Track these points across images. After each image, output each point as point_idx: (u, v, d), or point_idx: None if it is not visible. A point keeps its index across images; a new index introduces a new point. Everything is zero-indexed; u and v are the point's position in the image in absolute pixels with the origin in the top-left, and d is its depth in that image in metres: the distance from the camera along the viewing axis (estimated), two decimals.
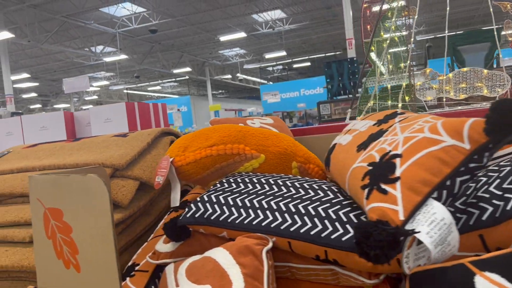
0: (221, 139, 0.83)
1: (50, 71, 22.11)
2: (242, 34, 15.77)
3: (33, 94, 25.56)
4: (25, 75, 19.19)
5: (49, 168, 0.99)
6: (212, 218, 0.72)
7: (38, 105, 28.37)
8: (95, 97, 28.05)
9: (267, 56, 19.53)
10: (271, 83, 29.54)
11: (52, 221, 0.64)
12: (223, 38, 16.22)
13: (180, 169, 0.86)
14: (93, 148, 1.06)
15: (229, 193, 0.76)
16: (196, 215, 0.74)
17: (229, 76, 26.42)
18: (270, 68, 28.53)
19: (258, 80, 30.48)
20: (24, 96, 25.49)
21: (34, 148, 1.17)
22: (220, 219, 0.72)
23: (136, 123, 2.21)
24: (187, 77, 25.09)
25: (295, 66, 24.73)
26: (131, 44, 18.48)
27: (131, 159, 0.99)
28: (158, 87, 30.23)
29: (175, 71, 21.60)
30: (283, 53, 19.06)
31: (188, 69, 21.49)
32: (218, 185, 0.80)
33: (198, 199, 0.77)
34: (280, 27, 18.13)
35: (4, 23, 13.12)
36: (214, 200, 0.75)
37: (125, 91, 27.89)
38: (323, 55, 23.05)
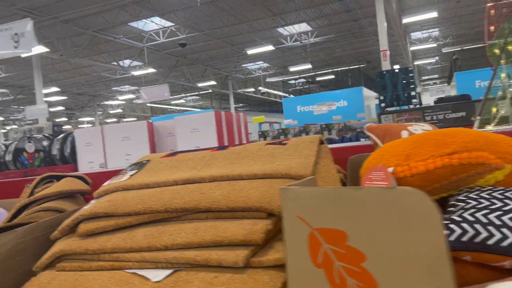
0: (465, 145, 0.70)
1: (76, 85, 22.47)
2: (269, 47, 15.76)
3: (60, 108, 25.99)
4: (55, 89, 19.52)
5: (221, 179, 0.87)
6: (490, 242, 0.58)
7: (64, 118, 28.84)
8: (119, 110, 28.38)
9: (292, 69, 19.48)
10: (292, 96, 29.47)
11: (325, 245, 0.51)
12: (250, 52, 16.23)
13: (403, 181, 0.73)
14: (256, 157, 0.94)
15: (495, 212, 0.62)
16: (463, 239, 0.60)
17: (252, 90, 26.45)
18: (292, 81, 28.49)
19: (279, 93, 30.45)
20: (51, 109, 25.94)
21: (178, 158, 1.05)
22: (502, 244, 0.58)
23: (223, 133, 2.09)
24: (210, 90, 25.21)
25: (318, 79, 24.61)
26: (157, 58, 18.66)
27: (313, 169, 0.86)
28: (181, 101, 30.45)
29: (200, 84, 21.71)
30: (308, 66, 18.99)
31: (212, 82, 21.59)
32: (463, 203, 0.66)
33: (457, 218, 0.63)
34: (305, 40, 18.10)
35: (38, 38, 13.36)
36: (484, 220, 0.61)
37: (148, 104, 28.15)
38: (347, 68, 22.89)
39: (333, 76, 23.12)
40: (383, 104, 7.00)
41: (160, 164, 1.03)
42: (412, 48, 19.72)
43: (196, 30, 15.75)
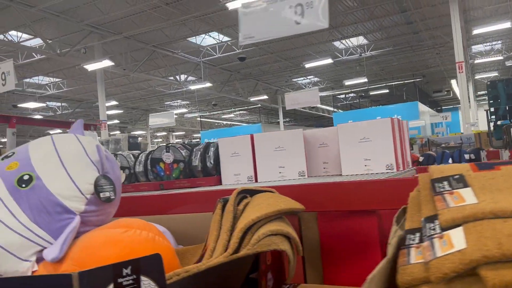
0: None
1: (131, 99, 23.12)
2: (328, 60, 15.52)
3: (116, 121, 26.82)
4: (114, 103, 20.13)
5: None
6: None
7: (117, 132, 29.74)
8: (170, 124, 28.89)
9: (347, 82, 19.13)
10: (341, 111, 28.99)
11: None
12: (308, 65, 16.06)
13: None
14: None
15: None
16: None
17: None
18: (342, 96, 28.04)
19: (328, 107, 30.04)
20: (108, 122, 26.82)
21: (503, 172, 0.82)
22: None
23: (396, 141, 1.85)
24: (259, 105, 25.23)
25: (372, 93, 24.05)
26: (212, 72, 18.87)
27: None
28: (231, 115, 30.69)
29: (252, 99, 21.74)
30: (364, 79, 18.57)
31: (264, 97, 21.57)
32: None
33: None
34: (361, 54, 17.74)
35: (102, 53, 13.83)
36: None
37: (198, 119, 28.52)
38: (402, 82, 22.25)
39: (387, 91, 22.51)
40: (493, 117, 6.42)
41: (484, 179, 0.81)
42: (476, 61, 18.87)
43: (252, 45, 15.77)
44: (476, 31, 11.94)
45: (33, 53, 14.63)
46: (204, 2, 11.90)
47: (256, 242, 1.06)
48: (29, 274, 0.97)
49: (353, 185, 1.51)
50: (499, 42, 18.32)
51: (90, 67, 12.88)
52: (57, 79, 18.48)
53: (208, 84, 17.36)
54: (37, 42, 13.86)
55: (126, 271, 0.84)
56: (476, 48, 19.09)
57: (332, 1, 12.51)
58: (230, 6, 10.31)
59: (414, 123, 19.41)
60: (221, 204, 1.34)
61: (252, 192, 1.39)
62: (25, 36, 13.25)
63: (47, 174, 1.04)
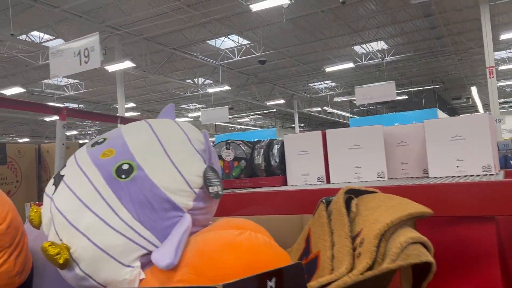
0: None
1: (148, 102, 23.12)
2: (349, 65, 15.31)
3: None
4: (132, 105, 20.14)
5: None
6: None
7: None
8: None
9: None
10: (356, 117, 28.68)
11: None
12: (328, 69, 15.87)
13: None
14: None
15: None
16: None
17: (318, 109, 26.03)
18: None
19: (343, 113, 29.77)
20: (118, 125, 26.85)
21: None
22: None
23: (493, 139, 1.66)
24: (274, 109, 25.05)
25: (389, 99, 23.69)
26: (229, 76, 18.75)
27: None
28: (246, 119, 30.58)
29: (269, 103, 21.58)
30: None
31: (281, 101, 21.40)
32: None
33: None
34: (379, 59, 17.50)
35: (121, 55, 13.81)
36: None
37: (213, 122, 28.40)
38: (421, 88, 21.91)
39: (405, 97, 22.17)
40: None
41: None
42: (501, 68, 18.50)
43: (271, 48, 15.65)
44: (503, 37, 11.63)
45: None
46: (226, 4, 11.80)
47: (400, 251, 0.88)
48: (137, 283, 0.80)
49: (465, 187, 1.33)
50: None
51: (111, 68, 12.85)
52: (76, 81, 18.54)
53: (227, 87, 17.25)
54: (58, 43, 13.88)
55: (270, 283, 0.68)
56: (498, 54, 18.70)
57: (355, 4, 12.34)
58: (254, 8, 10.18)
59: None
60: (324, 205, 1.17)
61: (357, 193, 1.21)
62: (46, 37, 13.28)
63: (150, 164, 0.88)
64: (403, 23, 14.16)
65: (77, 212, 0.82)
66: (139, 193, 0.84)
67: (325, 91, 23.84)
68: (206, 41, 15.01)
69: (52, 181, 0.91)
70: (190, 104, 25.13)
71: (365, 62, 17.43)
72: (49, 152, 2.71)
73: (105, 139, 0.95)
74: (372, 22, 13.92)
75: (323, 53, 16.75)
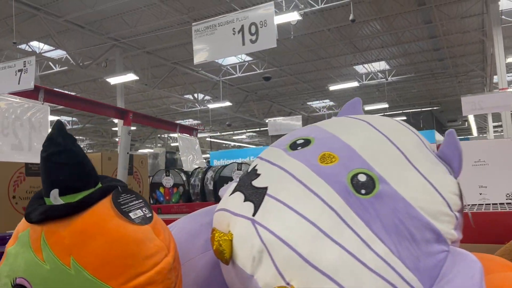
0: None
1: None
2: (353, 84, 15.27)
3: None
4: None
5: None
6: None
7: None
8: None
9: (367, 108, 18.83)
10: None
11: None
12: (333, 88, 15.80)
13: None
14: None
15: None
16: None
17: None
18: None
19: None
20: (116, 139, 26.42)
21: None
22: None
23: None
24: None
25: None
26: (228, 92, 18.60)
27: None
28: (243, 136, 30.38)
29: (268, 120, 21.39)
30: (385, 105, 18.30)
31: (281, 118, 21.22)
32: None
33: None
34: (380, 79, 17.53)
35: (122, 68, 13.57)
36: None
37: (208, 139, 28.16)
38: (419, 110, 22.01)
39: (404, 118, 22.21)
40: None
41: None
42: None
43: (273, 66, 15.56)
44: (510, 60, 11.68)
45: (51, 64, 14.38)
46: None
47: None
48: None
49: None
50: None
51: (113, 80, 12.58)
52: (72, 93, 18.18)
53: (228, 103, 17.07)
54: (57, 53, 13.61)
55: None
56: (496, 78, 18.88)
57: (361, 24, 12.33)
58: None
59: None
60: None
61: None
62: (46, 47, 13.01)
63: (395, 175, 0.62)
64: (407, 44, 14.20)
65: (314, 243, 0.55)
66: (392, 217, 0.58)
67: (323, 110, 23.81)
68: None
69: (240, 195, 0.65)
70: (186, 120, 24.87)
71: (366, 82, 17.43)
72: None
73: (307, 140, 0.70)
74: (376, 42, 13.94)
75: (325, 72, 16.71)
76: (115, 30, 12.09)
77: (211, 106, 17.57)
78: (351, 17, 10.40)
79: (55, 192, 0.70)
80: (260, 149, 26.40)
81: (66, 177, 0.72)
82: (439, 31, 12.82)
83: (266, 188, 0.63)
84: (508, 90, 8.80)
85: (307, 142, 0.69)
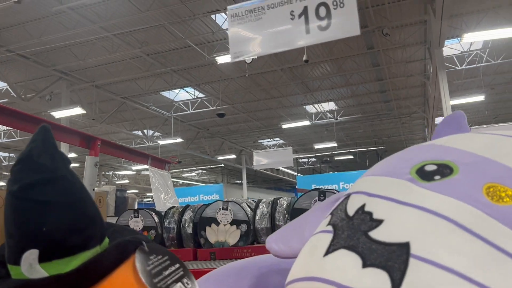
0: None
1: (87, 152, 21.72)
2: (305, 122, 15.52)
3: None
4: (73, 155, 18.76)
5: None
6: None
7: None
8: (126, 181, 27.45)
9: (317, 146, 19.18)
10: (300, 175, 29.00)
11: None
12: (285, 126, 15.95)
13: None
14: None
15: None
16: None
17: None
18: (304, 160, 28.20)
19: (288, 171, 30.03)
20: None
21: None
22: None
23: None
24: (222, 164, 24.62)
25: (337, 158, 24.35)
26: (179, 128, 18.27)
27: None
28: (193, 174, 29.74)
29: (220, 158, 21.18)
30: (334, 144, 18.73)
31: (232, 156, 21.10)
32: None
33: None
34: (329, 119, 18.00)
35: (69, 101, 12.93)
36: None
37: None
38: (365, 149, 22.77)
39: (351, 157, 22.88)
40: None
41: None
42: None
43: (226, 103, 15.53)
44: (452, 102, 12.43)
45: None
46: (187, 56, 11.61)
47: None
48: None
49: None
50: None
51: (58, 114, 11.90)
52: (10, 128, 17.02)
53: (180, 140, 16.70)
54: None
55: None
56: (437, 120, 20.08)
57: (313, 65, 12.69)
58: (220, 60, 10.04)
59: None
60: None
61: None
62: None
63: None
64: (355, 86, 14.77)
65: None
66: None
67: (273, 148, 23.97)
68: (161, 92, 14.59)
69: (351, 257, 0.43)
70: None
71: (316, 121, 17.82)
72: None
73: (442, 165, 0.50)
74: (326, 83, 14.38)
75: (277, 110, 16.93)
76: (63, 62, 11.57)
77: (162, 142, 17.10)
78: (304, 58, 10.63)
79: (31, 255, 0.44)
80: (211, 186, 25.83)
81: (54, 228, 0.46)
82: (385, 74, 13.47)
83: (406, 245, 0.40)
84: None
85: (445, 169, 0.48)
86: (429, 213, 0.42)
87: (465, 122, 0.67)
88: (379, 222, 0.44)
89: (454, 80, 13.61)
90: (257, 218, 1.77)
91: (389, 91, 15.16)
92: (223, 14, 9.90)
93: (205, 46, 11.09)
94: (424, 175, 0.48)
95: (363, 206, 0.48)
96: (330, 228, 0.49)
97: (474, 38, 9.88)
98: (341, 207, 0.52)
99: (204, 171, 30.55)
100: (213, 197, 22.86)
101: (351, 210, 0.49)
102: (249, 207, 1.84)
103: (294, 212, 1.65)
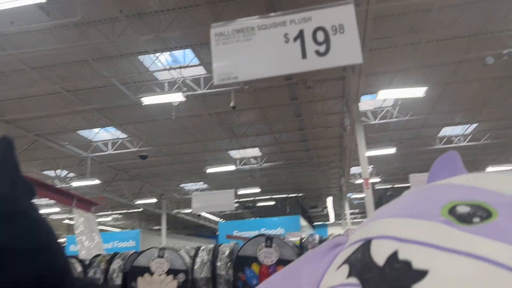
0: None
1: None
2: (231, 167, 15.50)
3: None
4: None
5: None
6: None
7: None
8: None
9: (240, 192, 19.18)
10: (222, 220, 28.64)
11: None
12: (210, 170, 15.78)
13: None
14: None
15: None
16: None
17: (189, 210, 25.30)
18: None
19: (210, 216, 29.53)
20: None
21: None
22: None
23: None
24: (141, 209, 23.53)
25: (259, 204, 24.48)
26: (96, 170, 17.29)
27: None
28: (108, 218, 27.92)
29: (139, 202, 20.22)
30: (257, 189, 18.88)
31: (153, 200, 20.27)
32: None
33: None
34: (253, 165, 18.24)
35: None
36: None
37: (65, 221, 25.28)
38: (286, 195, 23.25)
39: (273, 203, 23.18)
40: None
41: None
42: (356, 182, 20.80)
43: (149, 145, 15.11)
44: (368, 154, 13.30)
45: None
46: (111, 94, 11.23)
47: None
48: None
49: None
50: (371, 166, 20.72)
51: None
52: None
53: (97, 181, 15.73)
54: None
55: None
56: (354, 170, 21.26)
57: (240, 111, 12.93)
58: (145, 101, 9.84)
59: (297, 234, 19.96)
60: None
61: None
62: None
63: None
64: (278, 134, 15.25)
65: None
66: None
67: (196, 193, 23.53)
68: (78, 131, 13.82)
69: None
70: (40, 199, 22.08)
71: (240, 166, 17.94)
72: None
73: (477, 206, 0.45)
74: (251, 129, 14.67)
75: (202, 154, 16.80)
76: None
77: (75, 184, 15.99)
78: (232, 104, 10.82)
79: None
80: (126, 233, 24.40)
81: (10, 285, 0.35)
82: (307, 124, 14.12)
83: None
84: (370, 180, 9.91)
85: (481, 211, 0.44)
86: (484, 262, 0.37)
87: (460, 162, 0.65)
88: (422, 273, 0.37)
89: (368, 133, 14.63)
90: (196, 267, 1.65)
91: (310, 141, 15.85)
92: (151, 55, 9.83)
93: (130, 86, 10.84)
94: (460, 217, 0.42)
95: (395, 254, 0.41)
96: (355, 281, 0.41)
97: (388, 96, 10.81)
98: (361, 255, 0.44)
99: (120, 216, 28.93)
100: (129, 244, 21.59)
101: (379, 259, 0.41)
102: (187, 254, 1.71)
103: (239, 260, 1.55)
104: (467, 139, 16.45)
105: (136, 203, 20.43)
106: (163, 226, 23.10)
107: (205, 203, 15.50)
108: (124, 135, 14.49)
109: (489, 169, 20.01)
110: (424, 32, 9.01)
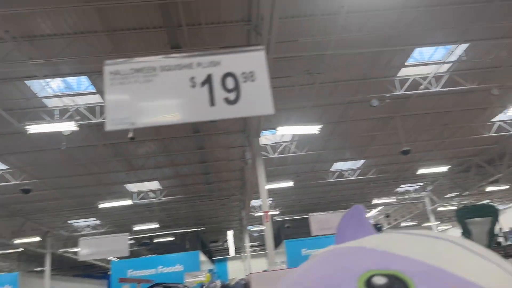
0: None
1: None
2: (127, 202, 14.61)
3: None
4: None
5: None
6: None
7: None
8: None
9: (137, 228, 18.14)
10: (115, 258, 26.76)
11: None
12: (103, 205, 14.66)
13: None
14: None
15: None
16: None
17: (77, 249, 23.18)
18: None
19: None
20: None
21: None
22: None
23: None
24: (22, 248, 20.96)
25: (157, 240, 23.37)
26: None
27: None
28: None
29: (19, 241, 17.97)
30: (156, 225, 18.05)
31: (37, 239, 18.19)
32: None
33: None
34: (153, 199, 17.52)
35: None
36: None
37: None
38: (186, 230, 22.62)
39: (172, 238, 22.33)
40: None
41: None
42: (257, 214, 21.02)
43: (33, 177, 13.68)
44: (267, 187, 13.59)
45: None
46: None
47: None
48: None
49: None
50: (271, 199, 21.21)
51: None
52: None
53: None
54: None
55: None
56: (254, 202, 21.54)
57: (138, 142, 12.41)
58: (31, 129, 8.94)
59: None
60: None
61: None
62: None
63: None
64: (179, 166, 14.91)
65: None
66: None
67: (86, 229, 21.75)
68: None
69: None
70: None
71: (138, 201, 17.09)
72: None
73: (391, 275, 0.39)
74: (151, 162, 14.14)
75: (94, 188, 15.67)
76: None
77: None
78: (130, 135, 10.33)
79: None
80: (3, 276, 21.41)
81: None
82: (209, 157, 14.04)
83: None
84: (269, 212, 10.07)
85: (397, 282, 0.39)
86: None
87: (365, 217, 0.64)
88: None
89: (268, 167, 15.03)
90: None
91: (212, 174, 15.76)
92: (41, 81, 9.04)
93: (15, 112, 9.80)
94: None
95: None
96: None
97: (286, 131, 11.27)
98: None
99: None
100: None
101: None
102: None
103: None
104: (356, 173, 17.77)
105: (15, 242, 18.16)
106: (48, 267, 20.78)
107: (95, 249, 14.30)
108: (4, 166, 12.95)
109: (375, 201, 21.78)
110: (318, 74, 9.65)
